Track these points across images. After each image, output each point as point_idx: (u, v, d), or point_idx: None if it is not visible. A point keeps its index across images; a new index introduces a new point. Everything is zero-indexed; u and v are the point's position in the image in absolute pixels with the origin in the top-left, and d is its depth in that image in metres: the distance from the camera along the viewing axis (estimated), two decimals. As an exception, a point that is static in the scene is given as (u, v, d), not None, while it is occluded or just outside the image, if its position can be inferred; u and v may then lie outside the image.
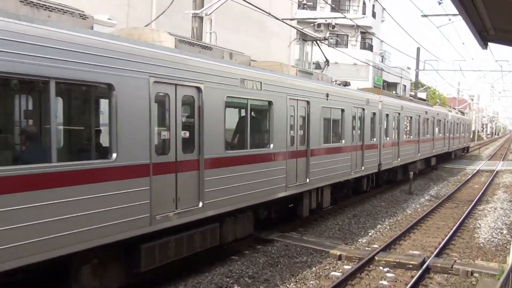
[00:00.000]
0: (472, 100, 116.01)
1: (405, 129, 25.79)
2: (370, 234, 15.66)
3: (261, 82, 12.26)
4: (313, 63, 39.73)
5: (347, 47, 51.94)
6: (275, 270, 11.66)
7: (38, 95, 7.86)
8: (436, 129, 33.68)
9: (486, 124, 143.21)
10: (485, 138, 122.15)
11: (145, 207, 8.77)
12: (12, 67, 6.62)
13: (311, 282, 10.98)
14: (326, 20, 41.23)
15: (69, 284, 7.96)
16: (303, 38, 34.39)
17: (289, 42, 33.12)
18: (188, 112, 10.16)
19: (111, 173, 8.10)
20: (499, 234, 16.21)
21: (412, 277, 11.41)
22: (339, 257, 12.77)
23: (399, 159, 24.36)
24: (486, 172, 36.30)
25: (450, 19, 28.71)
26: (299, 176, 14.31)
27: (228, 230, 11.65)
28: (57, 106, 7.61)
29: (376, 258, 12.50)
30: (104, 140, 8.45)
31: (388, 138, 22.62)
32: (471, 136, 60.11)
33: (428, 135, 30.92)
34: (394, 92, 30.06)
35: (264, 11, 16.49)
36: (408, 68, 64.83)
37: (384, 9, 48.30)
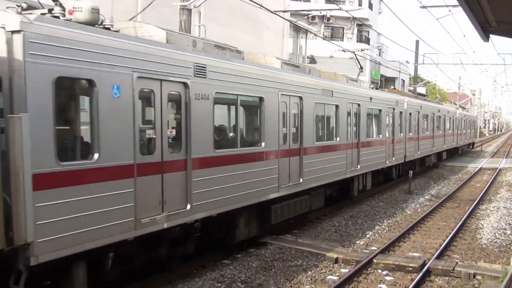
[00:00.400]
0: (474, 95, 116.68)
1: (423, 126, 30.09)
2: (368, 235, 15.70)
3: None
4: (307, 57, 39.78)
5: (342, 40, 52.03)
6: (269, 274, 11.66)
7: None
8: (447, 126, 38.06)
9: (488, 120, 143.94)
10: (487, 134, 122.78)
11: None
12: None
13: (307, 286, 10.99)
14: (320, 12, 41.30)
15: (235, 227, 12.38)
16: (296, 29, 34.42)
17: (282, 36, 33.12)
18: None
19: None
20: (503, 234, 16.29)
21: (412, 280, 11.43)
22: (336, 260, 12.78)
23: (419, 152, 28.94)
24: (489, 170, 36.47)
25: (450, 10, 28.81)
26: (352, 163, 18.06)
27: (312, 201, 15.81)
28: None
29: (374, 260, 12.52)
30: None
31: (411, 134, 27.03)
32: (475, 132, 66.48)
33: (440, 131, 35.27)
34: (392, 87, 30.60)
35: (256, 3, 16.46)
36: (407, 62, 65.06)
37: (381, 0, 48.44)
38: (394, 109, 23.80)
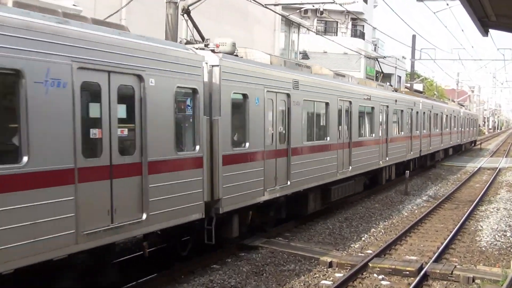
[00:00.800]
0: (473, 91, 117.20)
1: (434, 124, 34.45)
2: (363, 238, 15.75)
3: None
4: (300, 53, 39.82)
5: (336, 35, 52.12)
6: (260, 279, 11.67)
7: None
8: (453, 124, 42.49)
9: (487, 117, 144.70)
10: (486, 133, 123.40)
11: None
12: None
13: (300, 292, 11.01)
14: (313, 6, 41.29)
15: (307, 201, 16.43)
16: (287, 24, 34.45)
17: (273, 30, 33.15)
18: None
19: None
20: (503, 236, 16.40)
21: (409, 284, 11.49)
22: (330, 264, 12.82)
23: (430, 147, 33.44)
24: (488, 170, 36.70)
25: (447, 4, 28.95)
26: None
27: (355, 186, 19.88)
28: None
29: (370, 264, 12.57)
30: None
31: (424, 131, 31.27)
32: (477, 130, 72.38)
33: (447, 129, 39.78)
34: (388, 83, 30.94)
35: (246, -4, 16.46)
36: (403, 57, 65.24)
37: (376, -7, 48.56)
38: (412, 109, 28.20)
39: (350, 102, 19.18)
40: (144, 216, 9.43)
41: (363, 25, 54.72)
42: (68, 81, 7.93)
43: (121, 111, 9.06)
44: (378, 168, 23.03)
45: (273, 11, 25.83)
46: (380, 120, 22.64)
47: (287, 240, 14.96)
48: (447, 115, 39.71)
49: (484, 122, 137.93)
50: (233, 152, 12.11)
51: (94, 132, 8.57)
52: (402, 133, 26.30)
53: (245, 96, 12.54)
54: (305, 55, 42.88)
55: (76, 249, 8.16)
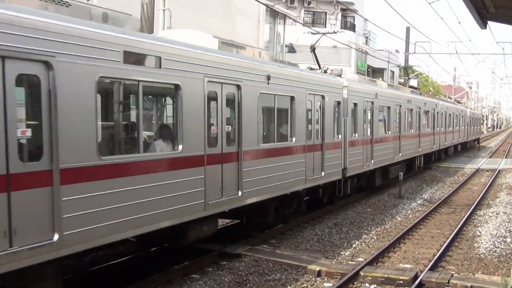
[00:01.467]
0: (470, 88, 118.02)
1: (448, 123, 42.86)
2: (354, 245, 15.81)
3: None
4: (286, 46, 39.85)
5: (325, 27, 52.25)
6: (243, 290, 11.66)
7: None
8: (461, 123, 50.63)
9: (486, 115, 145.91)
10: (485, 132, 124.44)
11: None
12: None
13: (286, 303, 11.02)
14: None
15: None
16: (272, 14, 34.48)
17: (257, 21, 33.15)
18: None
19: None
20: (502, 243, 16.54)
21: (403, 294, 11.54)
22: (318, 273, 12.85)
23: (446, 143, 41.88)
24: (487, 172, 37.00)
25: (444, -6, 29.11)
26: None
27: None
28: None
29: (361, 273, 12.61)
30: None
31: (443, 129, 40.05)
32: (480, 128, 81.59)
33: (457, 127, 47.84)
34: (380, 78, 31.53)
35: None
36: (397, 51, 65.58)
37: (368, -18, 48.76)
38: (434, 109, 36.48)
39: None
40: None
41: (354, 16, 54.93)
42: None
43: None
44: (415, 156, 31.46)
45: (257, 0, 25.83)
46: (418, 120, 31.32)
47: (273, 248, 14.96)
48: (457, 115, 47.86)
49: (483, 121, 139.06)
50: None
51: None
52: (429, 129, 34.49)
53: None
54: (291, 49, 42.95)
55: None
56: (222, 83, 12.63)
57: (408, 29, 46.89)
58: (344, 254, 14.76)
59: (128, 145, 10.63)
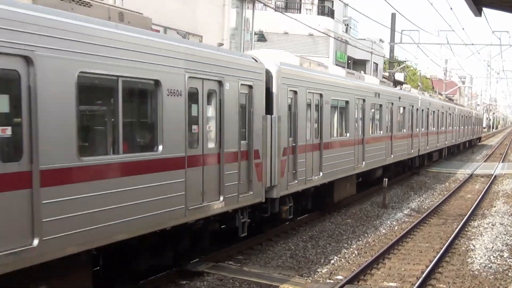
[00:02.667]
0: (464, 83, 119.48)
1: (458, 122, 55.92)
2: (332, 261, 15.87)
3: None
4: (255, 33, 39.83)
5: (300, 12, 52.43)
6: (205, 313, 11.63)
7: None
8: (467, 122, 64.42)
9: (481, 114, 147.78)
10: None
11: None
12: None
13: (255, 328, 11.02)
14: (272, -24, 41.51)
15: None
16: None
17: (222, 5, 33.10)
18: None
19: None
20: (499, 258, 16.75)
21: (388, 317, 11.62)
22: (292, 294, 12.84)
23: (458, 139, 55.53)
24: (482, 177, 37.50)
25: (434, -23, 29.44)
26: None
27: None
28: None
29: (340, 293, 12.65)
30: None
31: (456, 127, 53.02)
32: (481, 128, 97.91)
33: (467, 127, 63.06)
34: (361, 72, 31.28)
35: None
36: (381, 40, 66.11)
37: (348, -38, 49.06)
38: (447, 111, 47.81)
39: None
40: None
41: (332, 1, 55.18)
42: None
43: None
44: (441, 148, 44.50)
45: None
46: (441, 119, 43.80)
47: (239, 265, 14.95)
48: (463, 116, 60.66)
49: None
50: None
51: None
52: (443, 128, 45.46)
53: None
54: (261, 37, 42.98)
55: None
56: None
57: (393, 15, 47.35)
58: (321, 271, 14.80)
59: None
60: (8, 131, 8.54)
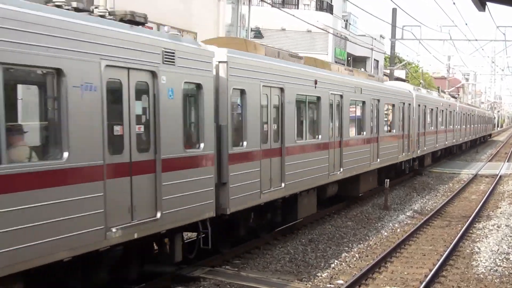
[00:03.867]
0: (467, 80, 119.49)
1: (476, 121, 69.26)
2: (332, 265, 15.86)
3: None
4: (252, 30, 39.85)
5: (298, 8, 52.42)
6: (202, 320, 11.62)
7: None
8: (482, 121, 78.08)
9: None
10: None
11: None
12: None
13: (253, 334, 11.01)
14: (268, -30, 41.49)
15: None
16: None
17: (217, 1, 33.09)
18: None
19: None
20: (505, 260, 16.77)
21: (390, 322, 11.62)
22: (291, 299, 12.85)
23: (475, 136, 68.35)
24: (487, 178, 37.51)
25: (436, -30, 29.44)
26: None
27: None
28: None
29: (341, 298, 12.66)
30: None
31: (474, 126, 66.96)
32: (492, 126, 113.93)
33: (478, 125, 73.33)
34: (362, 69, 31.07)
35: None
36: (381, 37, 66.13)
37: (347, -45, 49.06)
38: (468, 113, 60.32)
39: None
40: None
41: (331, -4, 55.19)
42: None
43: None
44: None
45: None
46: (461, 120, 54.00)
47: (237, 269, 14.93)
48: (479, 116, 73.11)
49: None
50: None
51: None
52: (457, 126, 51.53)
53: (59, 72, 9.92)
54: (257, 33, 43.02)
55: None
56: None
57: (394, 11, 47.29)
58: (321, 276, 14.80)
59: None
60: None
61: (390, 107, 29.31)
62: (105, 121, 10.44)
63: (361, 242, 18.70)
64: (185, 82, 12.74)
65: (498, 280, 14.89)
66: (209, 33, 27.66)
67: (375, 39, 61.53)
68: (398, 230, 20.73)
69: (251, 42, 18.71)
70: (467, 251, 17.84)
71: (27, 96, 10.53)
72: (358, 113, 24.47)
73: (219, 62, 14.21)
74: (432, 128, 39.47)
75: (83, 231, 9.97)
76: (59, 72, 9.61)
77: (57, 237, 9.51)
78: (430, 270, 15.11)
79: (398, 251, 17.43)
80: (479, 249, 18.03)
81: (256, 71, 15.77)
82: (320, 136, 19.95)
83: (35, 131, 10.38)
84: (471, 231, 20.55)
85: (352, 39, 54.01)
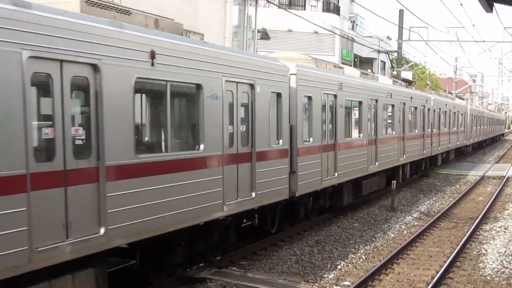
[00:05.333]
0: (474, 81, 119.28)
1: (490, 123, 79.89)
2: (339, 267, 15.87)
3: None
4: (258, 31, 39.87)
5: (304, 9, 52.44)
6: (208, 321, 11.64)
7: None
8: (495, 123, 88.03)
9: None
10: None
11: None
12: None
13: (259, 336, 11.02)
14: (275, -28, 41.52)
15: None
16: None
17: (224, 2, 33.12)
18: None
19: None
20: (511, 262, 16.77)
21: (397, 324, 11.62)
22: (297, 300, 12.86)
23: (491, 134, 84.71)
24: (494, 179, 37.47)
25: (443, -29, 29.46)
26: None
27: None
28: None
29: (347, 300, 12.67)
30: None
31: (487, 127, 76.73)
32: (503, 127, 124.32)
33: (492, 126, 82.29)
34: (369, 70, 31.18)
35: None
36: (388, 38, 66.10)
37: (354, -44, 49.04)
38: (487, 116, 74.62)
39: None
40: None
41: (338, -3, 55.18)
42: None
43: None
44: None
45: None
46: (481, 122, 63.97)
47: (243, 270, 14.96)
48: (491, 118, 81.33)
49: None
50: None
51: None
52: (479, 127, 59.70)
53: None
54: (264, 34, 43.01)
55: None
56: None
57: (401, 12, 47.24)
58: (328, 277, 14.81)
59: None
60: None
61: (413, 109, 32.53)
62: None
63: (368, 243, 18.71)
64: (271, 92, 16.20)
65: (505, 282, 14.88)
66: (216, 34, 27.71)
67: (382, 40, 61.54)
68: (405, 232, 20.73)
69: (301, 56, 22.24)
70: (474, 253, 17.83)
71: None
72: (389, 114, 28.20)
73: (290, 74, 17.56)
74: (445, 129, 42.23)
75: (212, 203, 13.45)
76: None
77: (198, 206, 12.92)
78: (437, 272, 15.11)
79: (404, 253, 17.43)
80: (486, 251, 18.02)
81: (317, 81, 19.32)
82: (361, 135, 23.75)
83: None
84: (478, 233, 20.54)
85: (359, 40, 54.02)
